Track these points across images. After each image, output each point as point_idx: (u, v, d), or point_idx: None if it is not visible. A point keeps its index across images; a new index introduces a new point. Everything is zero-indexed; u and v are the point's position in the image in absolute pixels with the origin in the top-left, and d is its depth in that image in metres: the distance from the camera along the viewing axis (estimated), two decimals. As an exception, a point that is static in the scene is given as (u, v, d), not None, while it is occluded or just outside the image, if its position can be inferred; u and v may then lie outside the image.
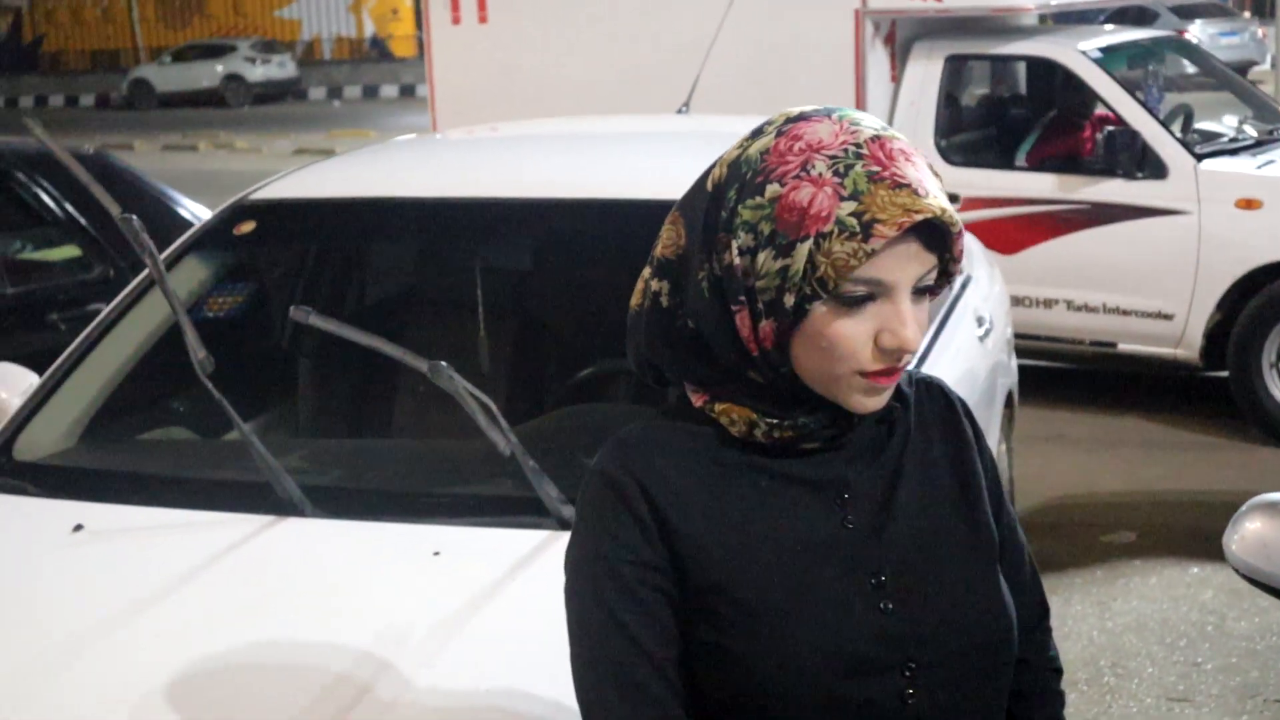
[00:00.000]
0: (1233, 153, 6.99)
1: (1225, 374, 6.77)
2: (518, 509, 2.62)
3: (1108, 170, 6.84)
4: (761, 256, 1.44)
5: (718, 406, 1.53)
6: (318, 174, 3.77)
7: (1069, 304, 6.95)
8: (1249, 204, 6.57)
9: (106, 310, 3.41)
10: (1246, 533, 2.27)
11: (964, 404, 1.70)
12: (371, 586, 2.51)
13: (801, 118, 1.48)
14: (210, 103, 34.07)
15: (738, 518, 1.52)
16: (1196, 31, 24.81)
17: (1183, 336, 6.74)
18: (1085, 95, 7.20)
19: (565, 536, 1.63)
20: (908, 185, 1.43)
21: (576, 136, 4.37)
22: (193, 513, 2.75)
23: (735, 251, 1.46)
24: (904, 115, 7.31)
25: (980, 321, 4.52)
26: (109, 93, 37.52)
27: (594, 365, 3.53)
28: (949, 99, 7.44)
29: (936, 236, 1.46)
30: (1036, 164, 7.29)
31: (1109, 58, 7.18)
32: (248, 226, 3.57)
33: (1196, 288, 6.66)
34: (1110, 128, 6.90)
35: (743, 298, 1.47)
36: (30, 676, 2.31)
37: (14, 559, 2.73)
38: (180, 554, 2.60)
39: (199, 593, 2.48)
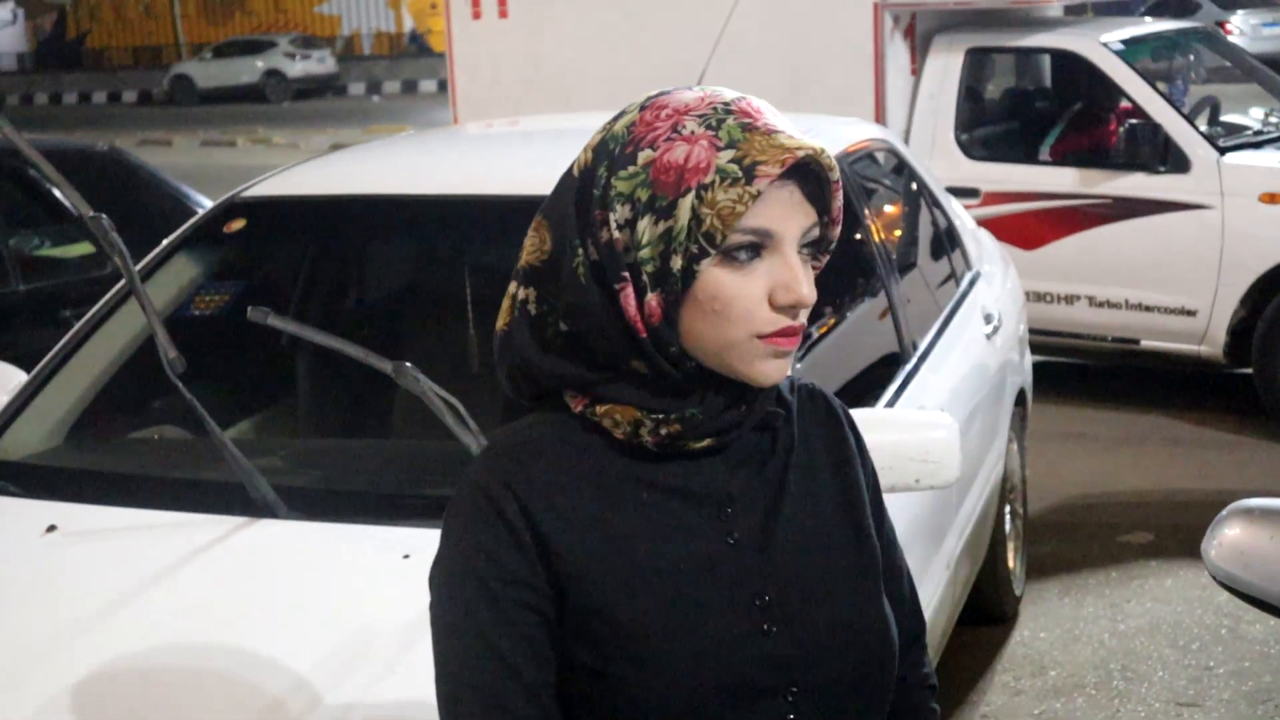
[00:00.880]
0: (1257, 146, 6.88)
1: (1249, 371, 6.67)
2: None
3: (1130, 164, 6.75)
4: (642, 224, 1.38)
5: (599, 409, 1.45)
6: (310, 171, 3.75)
7: (1090, 300, 6.86)
8: (1273, 198, 6.47)
9: (94, 309, 3.40)
10: (1224, 539, 2.21)
11: (847, 412, 1.64)
12: (341, 589, 2.50)
13: (662, 93, 1.45)
14: (251, 98, 34.22)
15: (619, 534, 1.44)
16: (1238, 23, 24.55)
17: (1206, 333, 6.64)
18: (1108, 88, 7.10)
19: None
20: (780, 131, 1.39)
21: (580, 131, 4.33)
22: (167, 514, 2.73)
23: (613, 226, 1.39)
24: (924, 109, 7.24)
25: (989, 318, 4.46)
26: (151, 89, 37.74)
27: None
28: (970, 92, 7.36)
29: (816, 186, 1.42)
30: (1059, 158, 7.21)
31: (1132, 50, 7.08)
32: (238, 224, 3.56)
33: (1220, 283, 6.56)
34: (1132, 121, 6.81)
35: (625, 274, 1.40)
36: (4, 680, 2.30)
37: (-10, 559, 2.72)
38: (151, 555, 2.59)
39: (167, 595, 2.47)
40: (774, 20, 7.37)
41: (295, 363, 3.76)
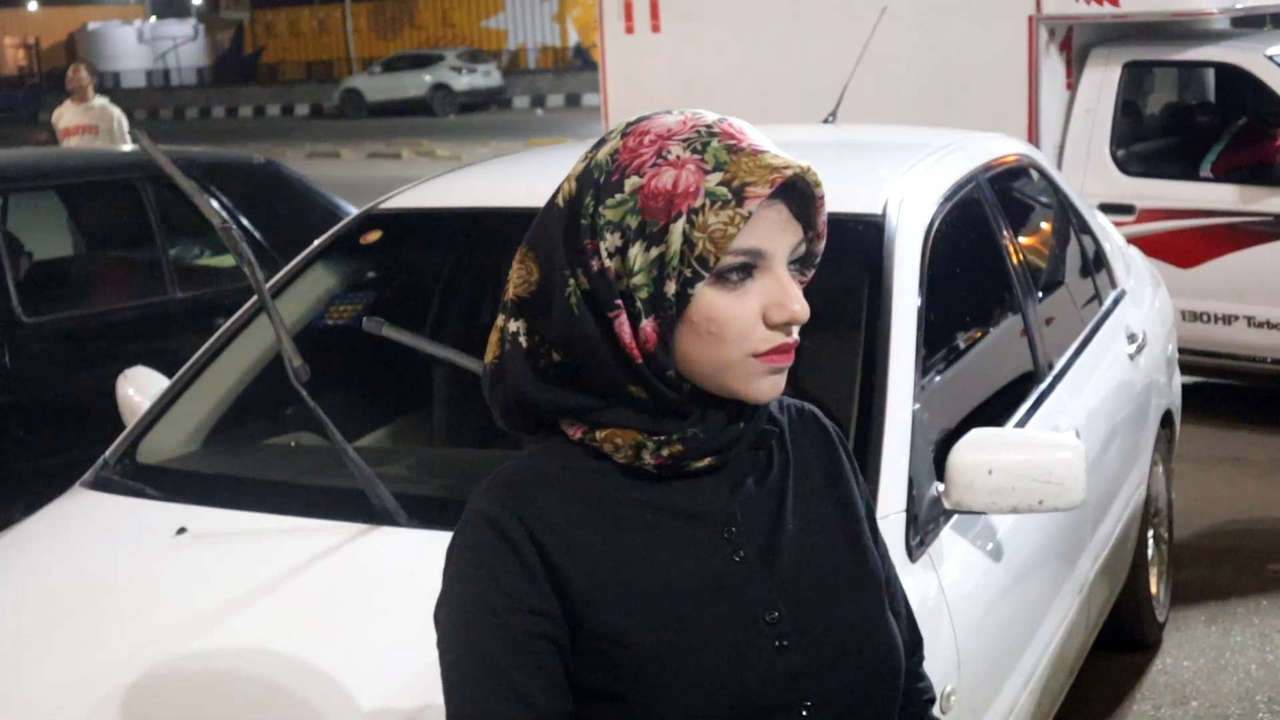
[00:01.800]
0: None
1: None
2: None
3: (1294, 182, 6.55)
4: (633, 251, 1.39)
5: (599, 434, 1.45)
6: (447, 183, 3.80)
7: (1249, 320, 6.67)
8: None
9: (234, 317, 3.49)
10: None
11: (838, 431, 1.64)
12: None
13: (643, 119, 1.46)
14: (418, 111, 34.87)
15: (627, 557, 1.45)
16: None
17: (1371, 356, 6.42)
18: (1274, 103, 6.89)
19: None
20: (765, 150, 1.40)
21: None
22: (291, 519, 2.79)
23: (605, 254, 1.40)
24: (1079, 123, 7.11)
25: (1132, 338, 4.36)
26: (322, 102, 38.63)
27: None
28: (1127, 107, 7.21)
29: (802, 203, 1.43)
30: (1221, 174, 7.02)
31: (1300, 63, 6.87)
32: (373, 235, 3.63)
33: (1386, 305, 6.33)
34: (1297, 137, 6.61)
35: (619, 301, 1.40)
36: (121, 676, 2.37)
37: (120, 560, 2.81)
38: (271, 559, 2.65)
39: (281, 598, 2.52)
40: (924, 33, 7.30)
41: (431, 372, 3.82)
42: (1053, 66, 7.16)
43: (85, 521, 2.99)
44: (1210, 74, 7.86)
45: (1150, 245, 6.21)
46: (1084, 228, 4.59)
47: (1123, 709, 4.30)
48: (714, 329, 1.40)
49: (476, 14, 44.12)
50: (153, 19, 60.18)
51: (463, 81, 35.64)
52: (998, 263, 3.67)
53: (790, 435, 1.58)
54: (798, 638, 1.47)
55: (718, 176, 1.38)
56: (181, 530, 2.79)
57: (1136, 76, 7.31)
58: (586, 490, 1.47)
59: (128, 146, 7.62)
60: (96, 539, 2.91)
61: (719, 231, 1.37)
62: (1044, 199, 4.52)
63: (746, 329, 1.41)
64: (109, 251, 6.79)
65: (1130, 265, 4.94)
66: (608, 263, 1.40)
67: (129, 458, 3.19)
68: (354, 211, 6.42)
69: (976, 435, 2.81)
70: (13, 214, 6.15)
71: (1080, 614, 3.61)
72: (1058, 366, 3.73)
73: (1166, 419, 4.75)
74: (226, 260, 6.40)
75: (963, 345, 3.44)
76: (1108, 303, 4.44)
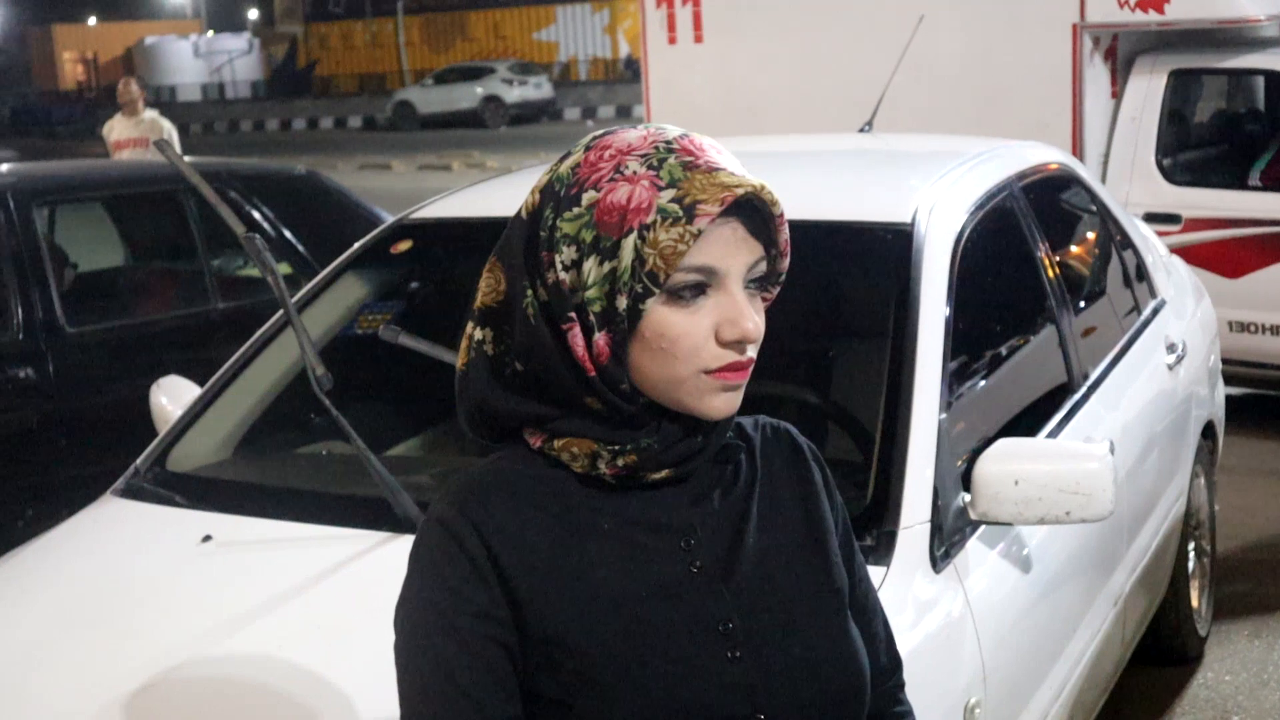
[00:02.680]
0: None
1: None
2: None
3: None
4: (587, 265, 1.40)
5: (557, 443, 1.46)
6: (479, 193, 3.81)
7: (1297, 331, 6.59)
8: None
9: (264, 327, 3.51)
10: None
11: (813, 449, 1.64)
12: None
13: (608, 132, 1.47)
14: (469, 123, 35.03)
15: (579, 563, 1.46)
16: None
17: None
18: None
19: None
20: (722, 168, 1.41)
21: (752, 155, 4.32)
22: (316, 527, 2.80)
23: (560, 267, 1.41)
24: (1124, 132, 7.04)
25: (1172, 348, 4.32)
26: (375, 115, 38.87)
27: (753, 385, 3.49)
28: (1173, 115, 7.14)
29: (760, 221, 1.43)
30: (1271, 183, 6.93)
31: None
32: (404, 245, 3.64)
33: None
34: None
35: (572, 314, 1.41)
36: (143, 681, 2.38)
37: (145, 567, 2.83)
38: (294, 567, 2.66)
39: (302, 607, 2.53)
40: (967, 42, 7.27)
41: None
42: (1097, 75, 7.10)
43: (114, 529, 3.01)
44: (1259, 81, 7.76)
45: (1196, 255, 6.16)
46: (1123, 237, 4.54)
47: (1162, 723, 4.25)
48: (665, 345, 1.41)
49: (528, 26, 44.31)
50: (209, 33, 60.78)
51: (514, 93, 35.79)
52: (1031, 272, 3.64)
53: (761, 452, 1.58)
54: (752, 649, 1.47)
55: (670, 193, 1.39)
56: (207, 538, 2.81)
57: (1182, 84, 7.24)
58: (543, 497, 1.48)
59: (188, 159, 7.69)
60: (124, 546, 2.93)
61: (669, 248, 1.38)
62: (1082, 208, 4.48)
63: (698, 346, 1.41)
64: (152, 262, 6.85)
65: (1172, 275, 4.89)
66: (562, 275, 1.41)
67: (159, 466, 3.21)
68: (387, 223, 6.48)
69: (1003, 445, 2.79)
70: (59, 226, 6.21)
71: (1115, 627, 3.56)
72: (1093, 377, 3.69)
73: (1208, 430, 4.70)
74: (269, 271, 6.43)
75: (994, 355, 3.41)
76: (1146, 313, 4.39)
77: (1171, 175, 6.99)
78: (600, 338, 1.41)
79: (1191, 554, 4.54)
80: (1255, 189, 6.95)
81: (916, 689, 2.23)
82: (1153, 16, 6.87)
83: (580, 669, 1.43)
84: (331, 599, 2.54)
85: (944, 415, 2.82)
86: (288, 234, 6.06)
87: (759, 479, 1.56)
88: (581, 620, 1.44)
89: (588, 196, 1.41)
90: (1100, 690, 3.55)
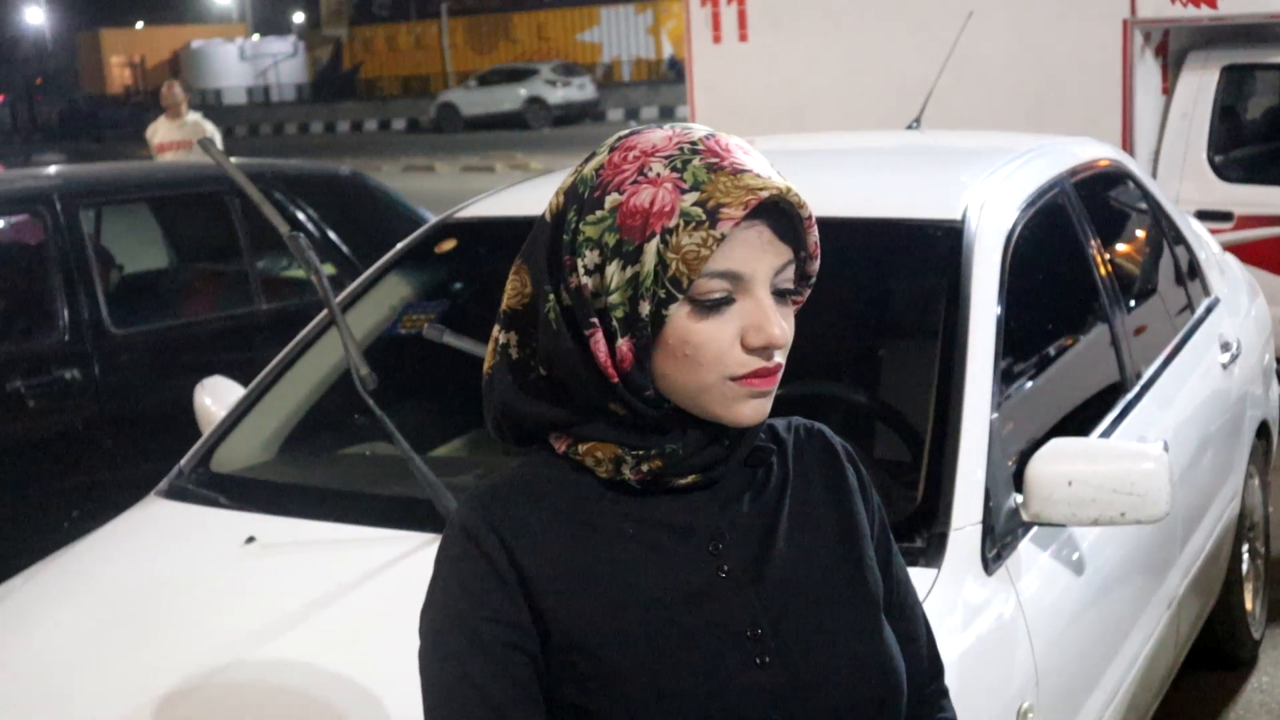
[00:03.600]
0: None
1: None
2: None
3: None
4: (610, 270, 1.36)
5: (581, 448, 1.43)
6: (523, 192, 3.79)
7: (1353, 329, 6.48)
8: None
9: (308, 327, 3.49)
10: None
11: (848, 449, 1.59)
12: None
13: (634, 132, 1.43)
14: (513, 125, 35.08)
15: (603, 569, 1.42)
16: None
17: None
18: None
19: None
20: (748, 170, 1.37)
21: (795, 153, 4.28)
22: (359, 528, 2.78)
23: (582, 272, 1.37)
24: (1175, 129, 6.96)
25: (1226, 347, 4.25)
26: (419, 117, 38.98)
27: (801, 385, 3.45)
28: (1225, 112, 7.04)
29: (787, 224, 1.39)
30: (1324, 180, 6.84)
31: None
32: (448, 245, 3.62)
33: None
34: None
35: (595, 320, 1.38)
36: (184, 682, 2.37)
37: (190, 568, 2.82)
38: (337, 569, 2.64)
39: (345, 608, 2.51)
40: (1016, 39, 7.20)
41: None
42: (1148, 71, 7.02)
43: (157, 530, 3.01)
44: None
45: (1249, 252, 6.06)
46: (1176, 234, 4.48)
47: (1216, 728, 4.18)
48: (689, 352, 1.38)
49: (572, 28, 44.36)
50: (255, 37, 61.15)
51: (557, 95, 35.81)
52: (1083, 270, 3.58)
53: (794, 454, 1.55)
54: (781, 655, 1.43)
55: (694, 196, 1.35)
56: (250, 539, 2.79)
57: (1235, 80, 7.15)
58: (568, 503, 1.45)
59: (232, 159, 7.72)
60: (167, 547, 2.93)
61: (692, 253, 1.34)
62: (1134, 205, 4.42)
63: (722, 352, 1.38)
64: (197, 263, 6.86)
65: (1225, 273, 4.81)
66: (584, 280, 1.38)
67: (203, 466, 3.21)
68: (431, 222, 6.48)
69: (1056, 445, 2.74)
70: (105, 227, 6.22)
71: (1169, 630, 3.51)
72: (1146, 376, 3.64)
73: (1263, 430, 4.62)
74: (312, 272, 6.43)
75: (1046, 354, 3.36)
76: (1200, 311, 4.32)
77: (1223, 172, 6.90)
78: (623, 344, 1.38)
79: (1245, 556, 4.47)
80: (1309, 185, 6.85)
81: (968, 692, 2.19)
82: (1205, 11, 6.79)
83: (604, 676, 1.40)
84: (375, 601, 2.52)
85: (995, 415, 2.78)
86: (331, 234, 6.05)
87: (791, 482, 1.53)
88: (605, 626, 1.41)
89: (610, 199, 1.37)
90: (1154, 695, 3.49)
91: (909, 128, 4.68)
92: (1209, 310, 4.37)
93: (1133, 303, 3.88)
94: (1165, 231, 4.43)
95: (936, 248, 3.09)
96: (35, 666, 2.56)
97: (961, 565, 2.52)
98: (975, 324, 2.88)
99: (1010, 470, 2.77)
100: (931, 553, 2.51)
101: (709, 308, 1.37)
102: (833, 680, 1.45)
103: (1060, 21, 7.20)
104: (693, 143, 1.39)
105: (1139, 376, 3.59)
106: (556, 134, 32.52)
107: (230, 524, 2.91)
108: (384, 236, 5.69)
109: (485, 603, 1.40)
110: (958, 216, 3.11)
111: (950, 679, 1.69)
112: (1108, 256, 3.76)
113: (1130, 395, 3.48)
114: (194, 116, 10.60)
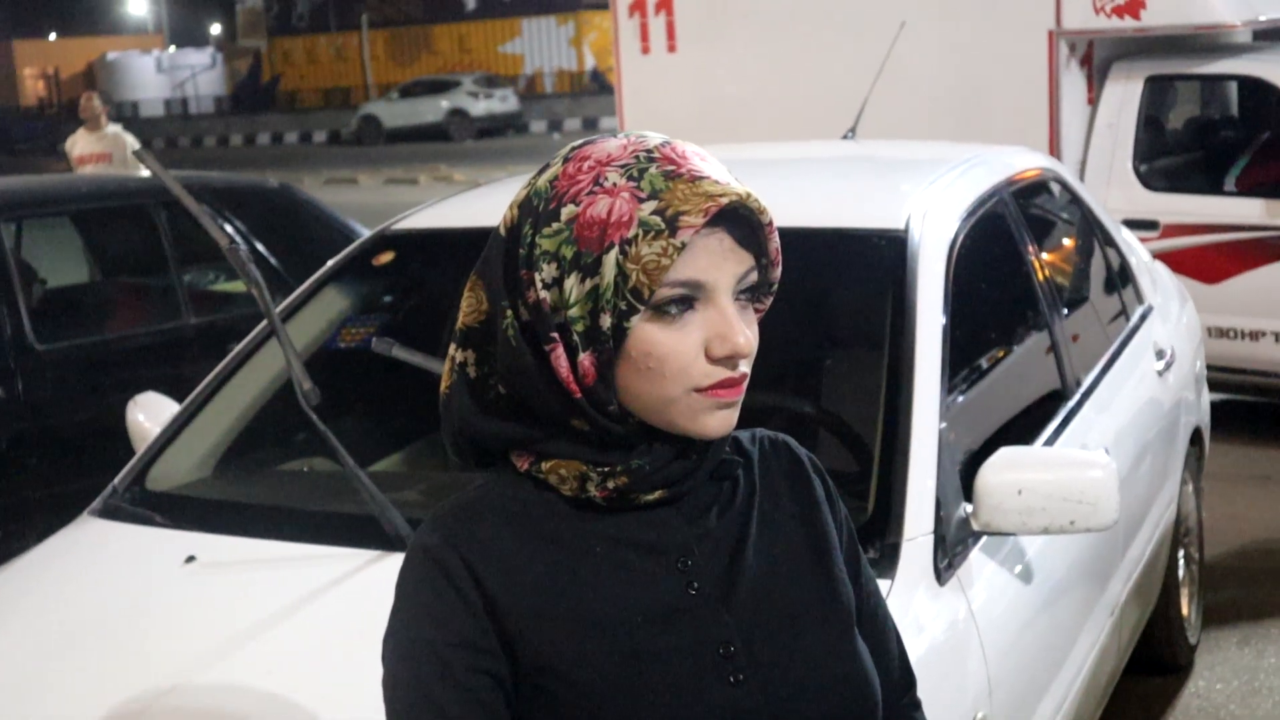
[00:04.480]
0: None
1: None
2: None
3: (1322, 195, 6.46)
4: (568, 283, 1.33)
5: (544, 466, 1.40)
6: (460, 204, 3.75)
7: (1277, 336, 6.57)
8: None
9: (244, 342, 3.43)
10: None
11: (814, 461, 1.57)
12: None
13: (587, 142, 1.40)
14: (435, 137, 34.92)
15: (571, 589, 1.39)
16: None
17: (1403, 371, 6.31)
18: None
19: None
20: (706, 177, 1.34)
21: (732, 162, 4.26)
22: (303, 546, 2.72)
23: (540, 286, 1.34)
24: (1101, 138, 7.02)
25: (1161, 354, 4.28)
26: (340, 129, 38.71)
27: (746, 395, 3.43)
28: (1149, 121, 7.12)
29: (748, 230, 1.36)
30: (1246, 189, 6.92)
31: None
32: (386, 257, 3.57)
33: None
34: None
35: (554, 335, 1.35)
36: (129, 708, 2.30)
37: (128, 589, 2.75)
38: (282, 588, 2.58)
39: (293, 629, 2.46)
40: (944, 49, 7.24)
41: (445, 395, 3.75)
42: (1074, 81, 7.08)
43: (93, 550, 2.93)
44: (1233, 87, 7.77)
45: (1175, 261, 6.12)
46: (1110, 243, 4.51)
47: (1156, 734, 4.21)
48: (653, 364, 1.35)
49: (493, 39, 44.24)
50: (171, 48, 60.51)
51: (480, 107, 35.70)
52: (1023, 278, 3.59)
53: (760, 466, 1.52)
54: (754, 672, 1.41)
55: (652, 205, 1.32)
56: (190, 559, 2.73)
57: (1158, 90, 7.23)
58: (532, 522, 1.42)
59: (144, 172, 7.58)
60: (104, 568, 2.85)
61: (652, 263, 1.31)
62: (1069, 214, 4.45)
63: (687, 364, 1.35)
64: (122, 277, 6.75)
65: (1156, 281, 4.86)
66: (543, 294, 1.35)
67: (138, 485, 3.14)
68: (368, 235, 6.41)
69: (1005, 455, 2.74)
70: (26, 241, 6.11)
71: (1112, 637, 3.52)
72: (1086, 384, 3.65)
73: (1196, 437, 4.66)
74: (240, 285, 6.35)
75: (988, 362, 3.37)
76: (1135, 319, 4.35)
77: (1149, 181, 6.97)
78: (585, 358, 1.35)
79: (1181, 561, 4.51)
80: (1231, 194, 6.93)
81: (924, 705, 2.17)
82: (1129, 22, 6.86)
83: (575, 700, 1.37)
84: (323, 621, 2.47)
85: (944, 424, 2.77)
86: (260, 247, 5.97)
87: (758, 494, 1.50)
88: (575, 648, 1.37)
89: (567, 211, 1.34)
90: (1098, 701, 3.50)
91: (844, 137, 4.68)
92: (1143, 318, 4.40)
93: (1071, 311, 3.89)
94: (1100, 240, 4.46)
95: (880, 257, 3.08)
96: (-31, 694, 2.48)
97: (914, 576, 2.51)
98: (922, 333, 2.87)
99: (959, 479, 2.77)
100: (884, 564, 2.49)
101: (671, 318, 1.34)
102: (807, 697, 1.42)
103: (987, 32, 7.24)
104: (649, 150, 1.36)
105: (1079, 384, 3.60)
106: (479, 146, 32.41)
107: (168, 543, 2.84)
108: (314, 249, 5.64)
109: (451, 628, 1.37)
110: (900, 226, 3.10)
111: (907, 692, 1.67)
112: (1047, 265, 3.77)
113: (1072, 403, 3.49)
114: (114, 128, 10.45)
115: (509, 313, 1.37)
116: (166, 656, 2.44)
